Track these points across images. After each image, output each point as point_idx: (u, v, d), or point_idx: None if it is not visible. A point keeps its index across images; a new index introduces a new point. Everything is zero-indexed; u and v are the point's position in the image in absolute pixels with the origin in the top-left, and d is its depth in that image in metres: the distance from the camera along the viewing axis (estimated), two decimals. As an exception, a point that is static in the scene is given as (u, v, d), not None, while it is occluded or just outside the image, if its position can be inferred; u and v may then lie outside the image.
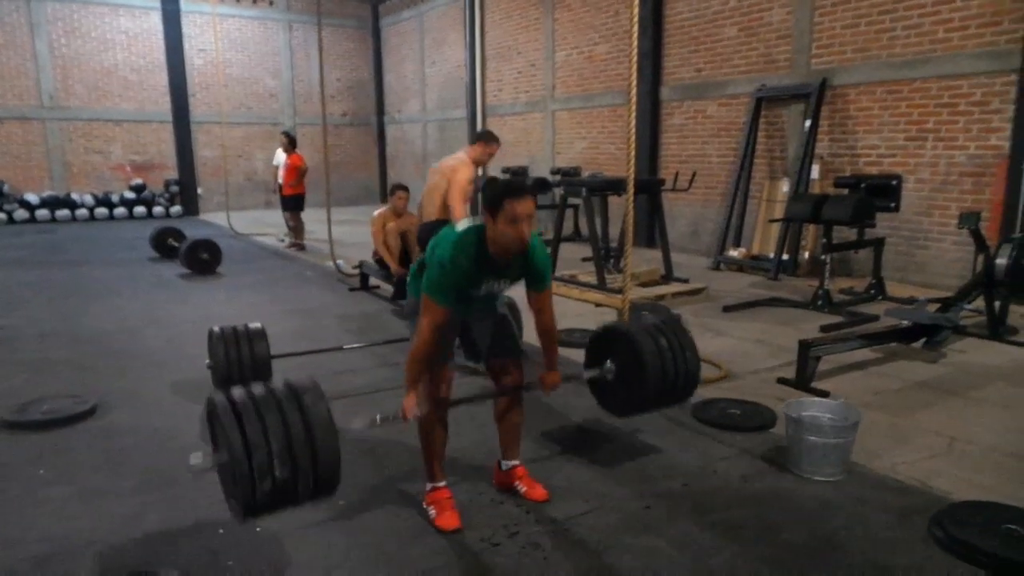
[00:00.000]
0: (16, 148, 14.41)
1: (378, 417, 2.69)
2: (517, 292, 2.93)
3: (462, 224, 2.69)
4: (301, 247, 10.62)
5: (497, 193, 2.52)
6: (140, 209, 15.09)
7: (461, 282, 2.61)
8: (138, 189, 15.21)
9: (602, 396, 3.34)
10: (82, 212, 14.57)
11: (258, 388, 2.29)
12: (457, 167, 5.12)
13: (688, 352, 3.18)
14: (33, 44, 14.21)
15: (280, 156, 10.71)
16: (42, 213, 14.17)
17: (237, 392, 2.27)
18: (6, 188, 14.05)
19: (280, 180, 10.66)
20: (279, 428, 2.17)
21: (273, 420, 2.17)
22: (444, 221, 4.91)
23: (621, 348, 3.16)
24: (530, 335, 3.01)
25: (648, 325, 3.24)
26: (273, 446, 2.14)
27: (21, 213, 14.00)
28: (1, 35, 13.95)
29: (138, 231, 12.13)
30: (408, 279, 2.97)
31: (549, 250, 7.81)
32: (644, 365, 3.03)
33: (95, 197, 14.84)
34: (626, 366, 3.14)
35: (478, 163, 5.19)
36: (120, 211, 14.97)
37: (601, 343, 3.31)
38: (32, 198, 14.18)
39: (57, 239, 11.91)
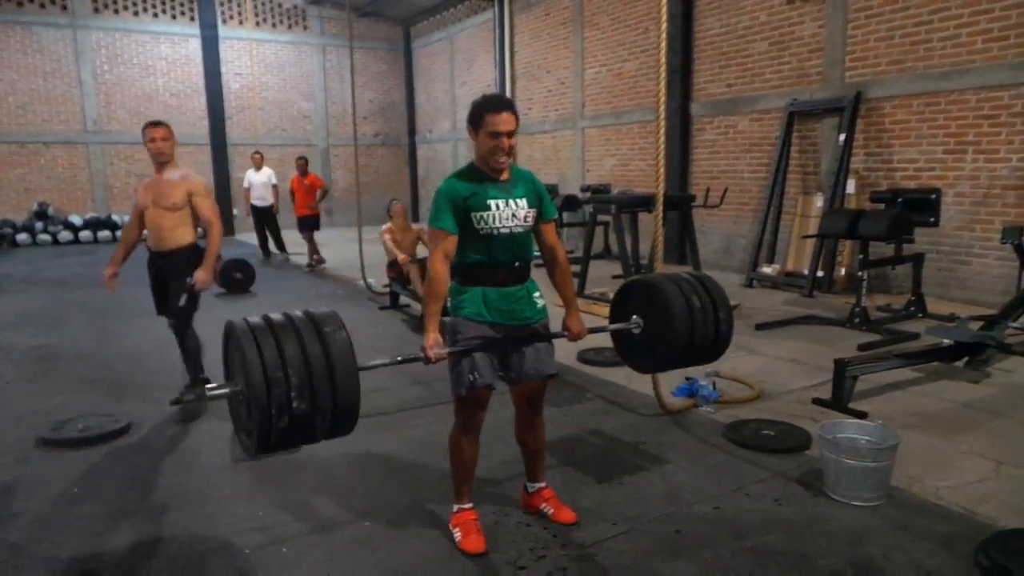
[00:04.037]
0: (61, 171, 14.92)
1: (399, 357, 2.62)
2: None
3: None
4: (322, 261, 10.75)
5: (478, 108, 2.58)
6: (178, 230, 15.43)
7: (461, 195, 2.57)
8: (176, 210, 15.57)
9: (625, 350, 3.20)
10: (123, 233, 14.96)
11: (277, 316, 2.18)
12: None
13: (721, 312, 3.00)
14: (78, 71, 14.73)
15: (254, 176, 11.29)
16: (85, 234, 14.59)
17: (256, 319, 2.16)
18: (51, 210, 14.51)
19: (268, 201, 11.17)
20: (299, 360, 2.05)
21: (292, 350, 2.05)
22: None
23: (648, 303, 3.02)
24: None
25: (680, 280, 3.05)
26: (292, 380, 2.02)
27: (65, 235, 14.44)
28: (49, 63, 14.50)
29: (176, 251, 12.33)
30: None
31: (577, 268, 7.82)
32: (673, 325, 2.88)
33: (135, 218, 15.23)
34: (653, 322, 2.99)
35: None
36: (159, 232, 15.33)
37: (629, 296, 3.15)
38: (75, 220, 14.63)
39: (98, 259, 12.19)
